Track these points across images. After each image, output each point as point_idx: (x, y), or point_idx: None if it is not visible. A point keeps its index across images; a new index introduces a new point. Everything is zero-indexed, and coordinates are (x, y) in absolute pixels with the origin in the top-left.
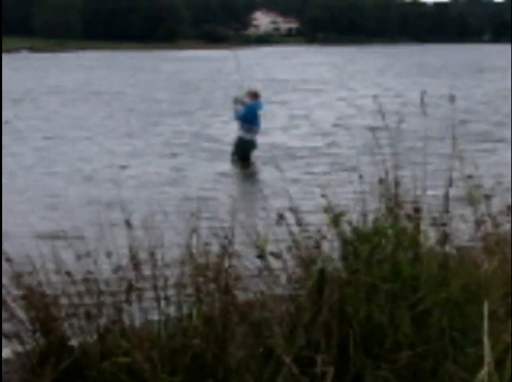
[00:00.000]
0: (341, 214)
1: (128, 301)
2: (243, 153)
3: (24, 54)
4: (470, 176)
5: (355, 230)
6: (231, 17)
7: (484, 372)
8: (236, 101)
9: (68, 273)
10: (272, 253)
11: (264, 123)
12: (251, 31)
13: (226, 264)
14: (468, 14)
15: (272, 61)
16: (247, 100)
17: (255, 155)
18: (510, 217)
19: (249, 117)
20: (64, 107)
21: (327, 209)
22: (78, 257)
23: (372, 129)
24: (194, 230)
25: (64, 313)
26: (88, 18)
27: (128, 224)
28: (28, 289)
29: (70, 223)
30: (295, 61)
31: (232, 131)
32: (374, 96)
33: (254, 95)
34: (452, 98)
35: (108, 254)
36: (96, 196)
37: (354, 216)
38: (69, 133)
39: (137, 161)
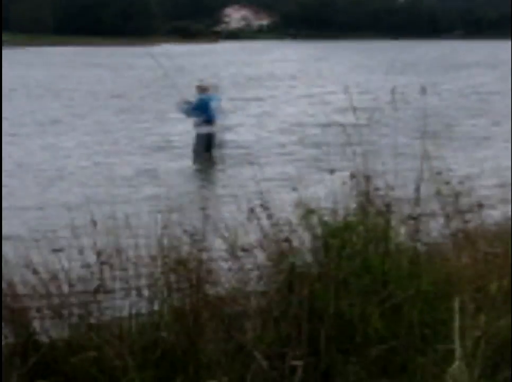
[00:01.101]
0: (312, 209)
1: (96, 298)
2: (204, 147)
3: None
4: (439, 173)
5: (325, 225)
6: (203, 12)
7: (454, 366)
8: (180, 105)
9: (35, 270)
10: (243, 249)
11: (229, 119)
12: (222, 26)
13: (197, 259)
14: (440, 9)
15: (242, 57)
16: (197, 95)
17: (218, 151)
18: (478, 213)
19: (201, 110)
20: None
21: (298, 204)
22: (49, 253)
23: (342, 125)
24: (165, 227)
25: (33, 308)
26: (60, 13)
27: (94, 223)
28: None
29: (40, 221)
30: (265, 57)
31: (187, 129)
32: (346, 92)
33: (204, 89)
34: (423, 91)
35: (80, 252)
36: (65, 194)
37: (325, 212)
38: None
39: (100, 159)
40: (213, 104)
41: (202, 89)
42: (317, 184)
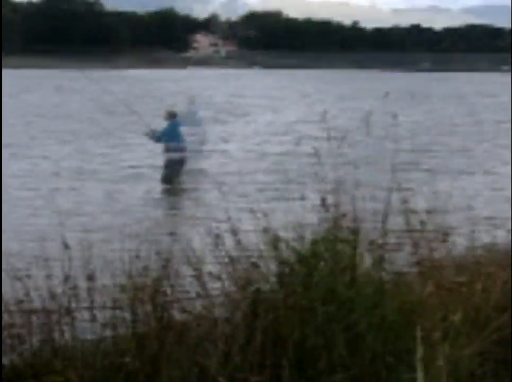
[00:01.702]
0: (279, 236)
1: (61, 321)
2: (173, 173)
3: None
4: (405, 201)
5: (293, 251)
6: (171, 38)
7: None
8: (148, 134)
9: None
10: (209, 274)
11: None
12: (191, 52)
13: (164, 285)
14: (407, 41)
15: (208, 84)
16: (165, 121)
17: (188, 177)
18: (444, 243)
19: (171, 136)
20: None
21: (265, 231)
22: (14, 279)
23: (314, 153)
24: (134, 252)
25: None
26: (28, 35)
27: (66, 246)
28: None
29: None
30: (232, 84)
31: (152, 154)
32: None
33: (172, 115)
34: (394, 117)
35: (48, 276)
36: (33, 219)
37: (292, 236)
38: None
39: (63, 184)
40: (180, 130)
41: (170, 115)
42: (285, 211)
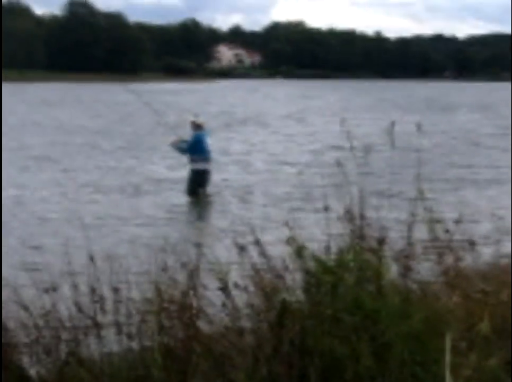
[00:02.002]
0: (304, 246)
1: (87, 333)
2: (199, 184)
3: None
4: (429, 210)
5: (318, 262)
6: (195, 50)
7: None
8: (174, 145)
9: (26, 308)
10: (235, 285)
11: (216, 157)
12: (214, 64)
13: (190, 297)
14: (430, 50)
15: (232, 95)
16: (190, 131)
17: (213, 189)
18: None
19: (196, 147)
20: None
21: (291, 241)
22: (41, 291)
23: (338, 163)
24: (160, 265)
25: (23, 344)
26: (52, 49)
27: (92, 258)
28: None
29: (36, 257)
30: (256, 95)
31: (176, 167)
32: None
33: (197, 126)
34: (418, 127)
35: (74, 287)
36: (60, 231)
37: (317, 247)
38: None
39: (88, 197)
40: (208, 141)
41: (196, 125)
42: (310, 221)
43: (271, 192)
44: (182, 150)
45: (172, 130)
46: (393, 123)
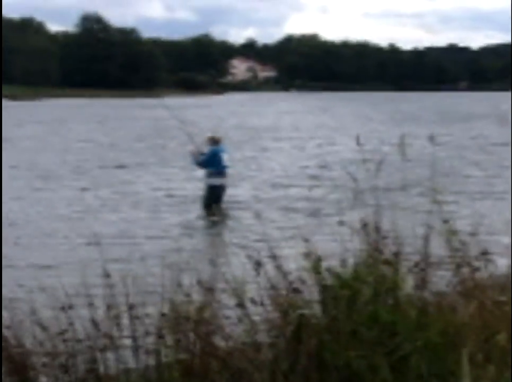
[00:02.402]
0: (321, 259)
1: (104, 351)
2: (214, 199)
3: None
4: (446, 221)
5: (335, 276)
6: (208, 64)
7: None
8: (193, 153)
9: (44, 327)
10: (252, 300)
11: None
12: (228, 78)
13: (207, 314)
14: (444, 60)
15: (247, 109)
16: (207, 146)
17: (227, 205)
18: (486, 263)
19: (212, 162)
20: None
21: (307, 255)
22: (57, 309)
23: (350, 176)
24: (176, 281)
25: (40, 363)
26: (66, 65)
27: (107, 275)
28: (4, 340)
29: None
30: (270, 109)
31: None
32: (356, 143)
33: (215, 141)
34: (432, 139)
35: (90, 305)
36: (75, 249)
37: (333, 262)
38: None
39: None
40: (224, 156)
41: (214, 141)
42: (325, 235)
43: (285, 207)
44: (199, 163)
45: (192, 143)
46: (402, 137)
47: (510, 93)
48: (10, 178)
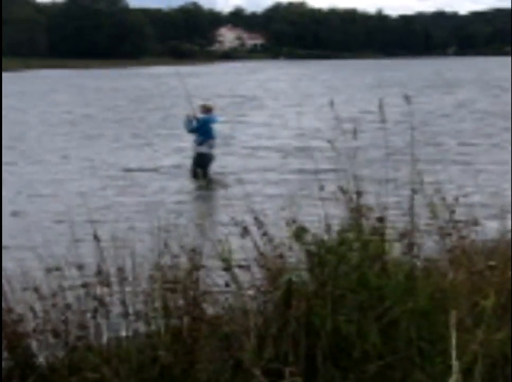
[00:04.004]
0: (304, 227)
1: (95, 317)
2: (201, 166)
3: None
4: (432, 183)
5: (320, 242)
6: (196, 33)
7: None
8: (189, 118)
9: (36, 289)
10: (239, 266)
11: (222, 140)
12: (216, 46)
13: (194, 278)
14: (432, 27)
15: (235, 77)
16: (199, 114)
17: (216, 172)
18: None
19: (203, 130)
20: None
21: (289, 223)
22: (47, 271)
23: (330, 141)
24: (163, 244)
25: (31, 329)
26: (53, 35)
27: (96, 238)
28: None
29: (38, 237)
30: (257, 76)
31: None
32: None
33: (207, 109)
34: (408, 100)
35: (79, 267)
36: (64, 212)
37: (317, 225)
38: None
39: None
40: (213, 126)
41: (206, 109)
42: (309, 202)
43: (269, 176)
44: (190, 129)
45: (190, 104)
46: (381, 100)
47: (498, 58)
48: None
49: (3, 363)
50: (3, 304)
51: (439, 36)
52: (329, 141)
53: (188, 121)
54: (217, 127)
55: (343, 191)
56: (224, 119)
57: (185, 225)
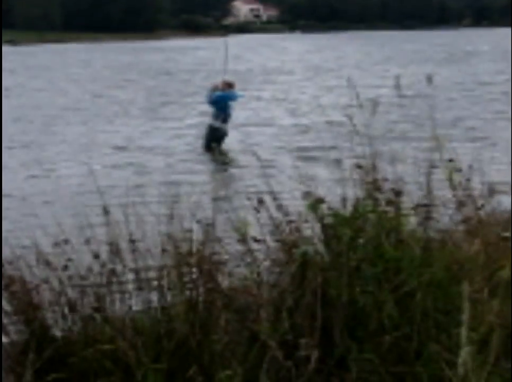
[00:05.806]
0: (320, 199)
1: (110, 290)
2: (214, 139)
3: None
4: (451, 160)
5: (335, 214)
6: (211, 6)
7: (463, 352)
8: (213, 88)
9: (47, 262)
10: (254, 238)
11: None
12: (231, 19)
13: (209, 250)
14: None
15: (250, 50)
16: (221, 90)
17: (230, 145)
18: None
19: (220, 105)
20: None
21: (305, 195)
22: (56, 245)
23: (347, 116)
24: (175, 217)
25: (46, 302)
26: (68, 9)
27: (106, 211)
28: (10, 279)
29: (47, 211)
30: (273, 49)
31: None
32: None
33: (229, 85)
34: (429, 80)
35: (87, 242)
36: (75, 184)
37: (333, 199)
38: None
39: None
40: (231, 103)
41: (227, 85)
42: (324, 175)
43: (284, 147)
44: (209, 101)
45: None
46: (397, 77)
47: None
48: None
49: (19, 336)
50: (18, 277)
51: (454, 7)
52: (347, 115)
53: (212, 92)
54: (235, 104)
55: (359, 166)
56: (244, 94)
57: (200, 197)
